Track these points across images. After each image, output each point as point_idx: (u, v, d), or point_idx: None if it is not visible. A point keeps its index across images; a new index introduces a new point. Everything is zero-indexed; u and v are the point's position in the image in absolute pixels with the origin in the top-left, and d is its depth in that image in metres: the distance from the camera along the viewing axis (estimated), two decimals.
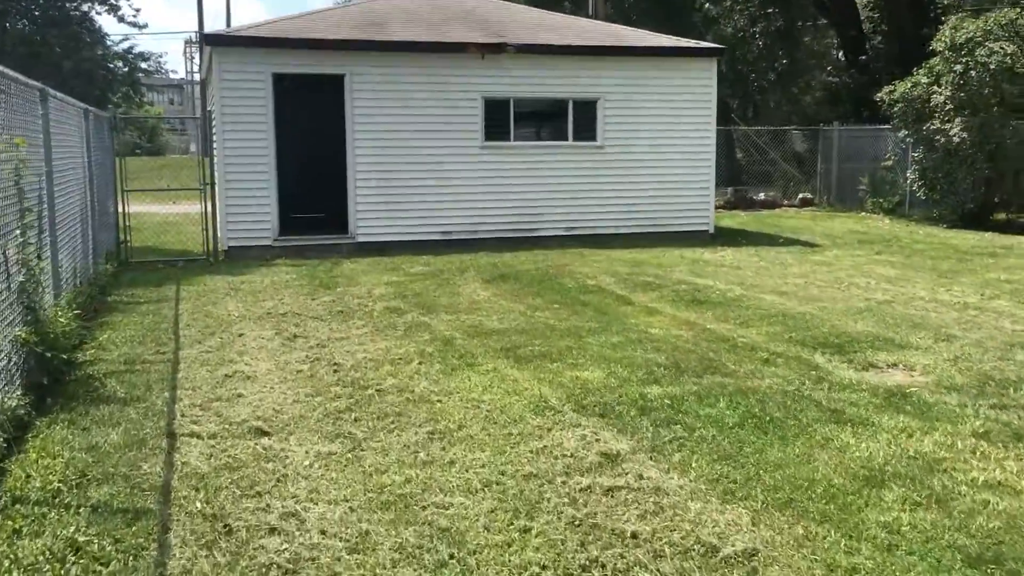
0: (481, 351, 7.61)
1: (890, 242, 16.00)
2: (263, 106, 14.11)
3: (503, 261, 13.50)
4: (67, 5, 45.46)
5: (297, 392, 6.49)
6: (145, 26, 49.00)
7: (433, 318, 9.11)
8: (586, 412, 5.93)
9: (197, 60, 56.55)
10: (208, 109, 15.68)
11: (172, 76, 74.09)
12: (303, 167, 17.92)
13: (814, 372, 6.92)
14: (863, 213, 21.99)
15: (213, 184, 14.16)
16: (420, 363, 7.24)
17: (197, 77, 54.90)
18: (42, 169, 7.32)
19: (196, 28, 53.42)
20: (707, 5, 26.44)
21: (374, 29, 15.18)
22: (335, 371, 7.05)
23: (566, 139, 15.66)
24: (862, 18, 32.58)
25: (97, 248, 11.05)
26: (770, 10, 25.83)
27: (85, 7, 46.23)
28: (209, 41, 13.87)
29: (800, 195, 24.71)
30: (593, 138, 15.72)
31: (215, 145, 14.12)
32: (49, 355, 6.47)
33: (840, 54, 36.39)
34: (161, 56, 67.62)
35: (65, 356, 6.80)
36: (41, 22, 44.70)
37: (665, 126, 15.94)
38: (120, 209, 14.04)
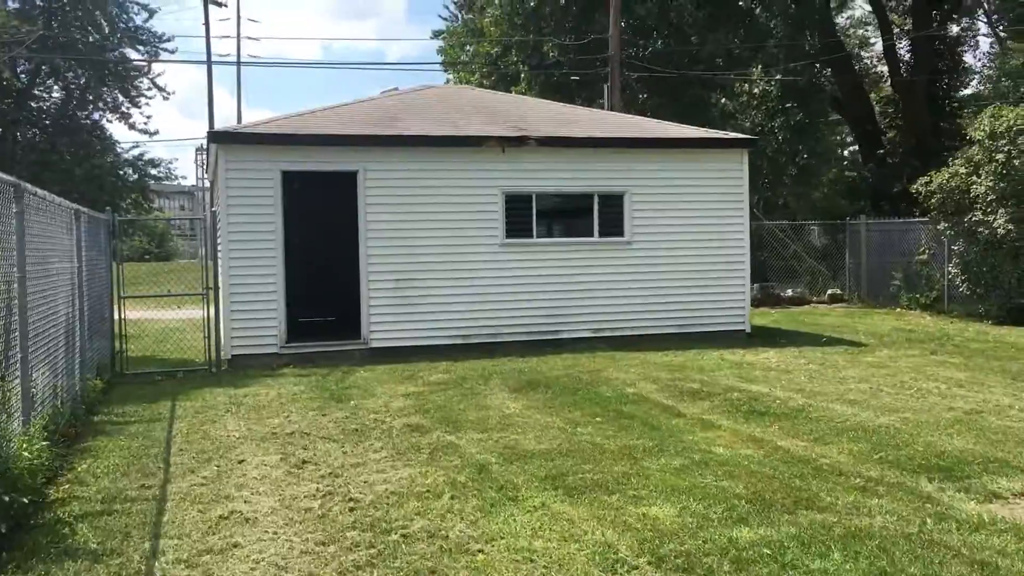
0: (523, 480, 6.45)
1: (941, 340, 14.88)
2: (271, 205, 13.27)
3: (529, 367, 12.41)
4: (78, 114, 45.77)
5: (306, 540, 5.33)
6: (156, 133, 49.21)
7: (461, 437, 7.97)
8: (668, 567, 4.75)
9: (206, 168, 56.88)
10: (212, 209, 14.84)
11: (182, 183, 74.52)
12: (313, 269, 17.02)
13: (929, 505, 5.74)
14: (898, 309, 20.92)
15: (217, 288, 13.21)
16: (452, 497, 6.08)
17: (207, 183, 55.01)
18: (13, 275, 6.34)
19: (205, 138, 53.89)
20: (723, 100, 26.01)
21: (388, 124, 14.48)
22: (351, 509, 5.89)
23: (592, 235, 14.76)
24: (876, 112, 32.28)
25: (86, 361, 10.01)
26: (789, 104, 25.34)
27: (96, 115, 46.64)
28: (215, 139, 13.15)
29: (829, 291, 23.71)
30: (620, 233, 14.82)
31: (219, 247, 13.25)
32: (8, 498, 5.35)
33: (853, 149, 36.04)
34: (171, 163, 68.06)
35: (29, 499, 5.66)
36: (52, 131, 44.94)
37: (696, 220, 15.05)
38: (117, 317, 13.04)
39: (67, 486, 6.68)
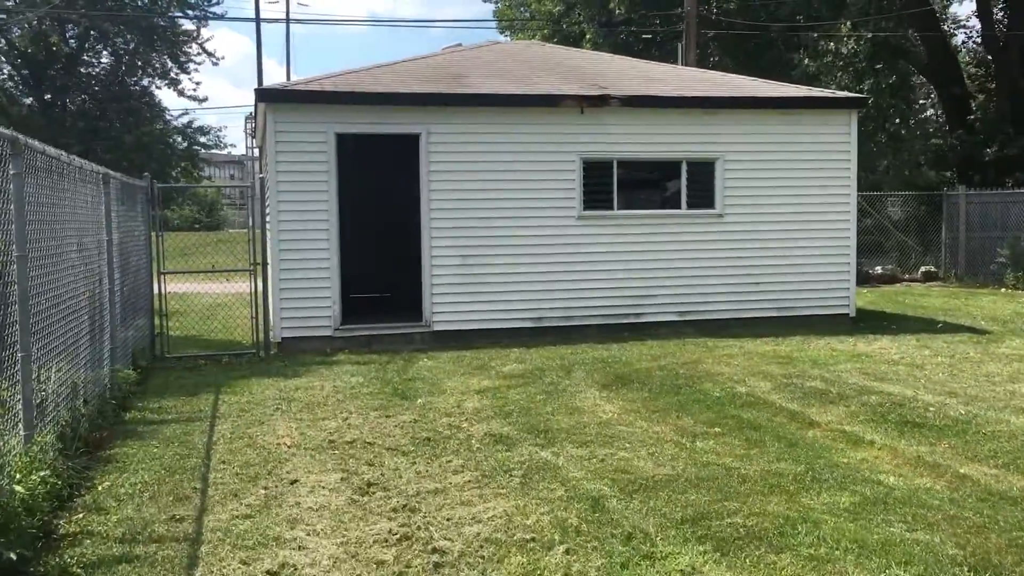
0: (654, 525, 5.01)
1: None
2: (325, 172, 11.91)
3: (613, 356, 10.95)
4: (127, 80, 44.93)
5: None
6: (205, 99, 48.60)
7: (557, 453, 6.55)
8: None
9: (256, 136, 55.96)
10: (260, 176, 13.52)
11: (232, 151, 74.01)
12: (370, 243, 15.77)
13: None
14: (1003, 289, 19.04)
15: (265, 264, 11.93)
16: (567, 550, 4.67)
17: (256, 152, 54.11)
18: (11, 254, 5.03)
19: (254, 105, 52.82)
20: (806, 61, 24.05)
21: (454, 82, 13.00)
22: (436, 566, 4.51)
23: (679, 207, 13.18)
24: (965, 76, 29.97)
25: (117, 348, 8.76)
26: (879, 65, 23.31)
27: (145, 81, 45.76)
28: (263, 97, 11.80)
29: (922, 268, 21.82)
30: (710, 205, 13.22)
31: (268, 218, 11.95)
32: None
33: (940, 115, 33.71)
34: (221, 130, 67.35)
35: (18, 552, 4.36)
36: (101, 97, 44.17)
37: (796, 190, 13.39)
38: (157, 292, 11.83)
39: (82, 514, 5.40)
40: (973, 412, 7.65)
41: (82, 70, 44.12)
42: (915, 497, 5.41)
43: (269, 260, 11.94)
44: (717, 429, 7.23)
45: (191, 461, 6.58)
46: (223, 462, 6.54)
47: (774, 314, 13.37)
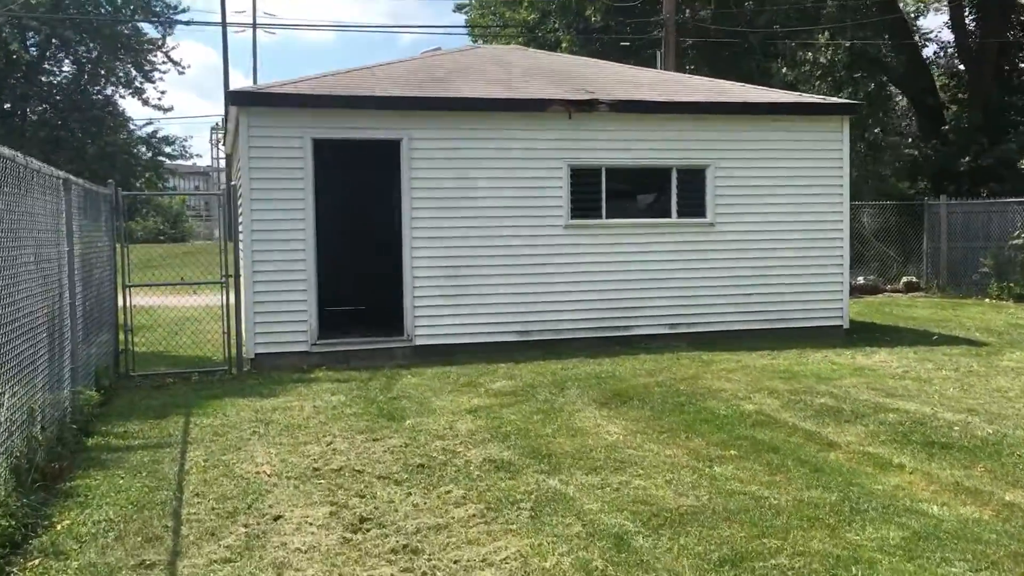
0: (691, 568, 4.48)
1: None
2: (300, 179, 11.30)
3: (606, 371, 10.44)
4: (89, 89, 43.81)
5: None
6: (171, 109, 47.39)
7: (566, 481, 6.01)
8: None
9: (223, 146, 54.85)
10: (233, 183, 12.88)
11: (197, 163, 72.82)
12: (348, 254, 15.17)
13: None
14: (988, 300, 18.83)
15: (237, 276, 11.27)
16: None
17: (223, 164, 53.03)
18: None
19: (222, 114, 51.76)
20: (784, 69, 23.80)
21: (436, 85, 12.46)
22: None
23: (669, 215, 12.72)
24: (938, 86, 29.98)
25: (79, 368, 8.08)
26: (857, 75, 23.12)
27: (108, 91, 44.68)
28: (236, 100, 11.18)
29: (904, 279, 21.59)
30: (701, 214, 12.78)
31: (240, 228, 11.31)
32: None
33: (912, 125, 33.73)
34: (186, 140, 66.13)
35: None
36: (62, 107, 43.02)
37: (788, 198, 13.00)
38: (123, 306, 11.13)
39: (38, 560, 4.77)
40: (1001, 432, 7.21)
41: (43, 79, 43.01)
42: (967, 530, 4.94)
43: (241, 272, 11.30)
44: (733, 452, 6.73)
45: (161, 494, 5.95)
46: (197, 495, 5.91)
47: (766, 326, 12.95)
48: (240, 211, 11.38)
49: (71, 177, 7.70)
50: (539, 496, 5.67)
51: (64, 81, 45.12)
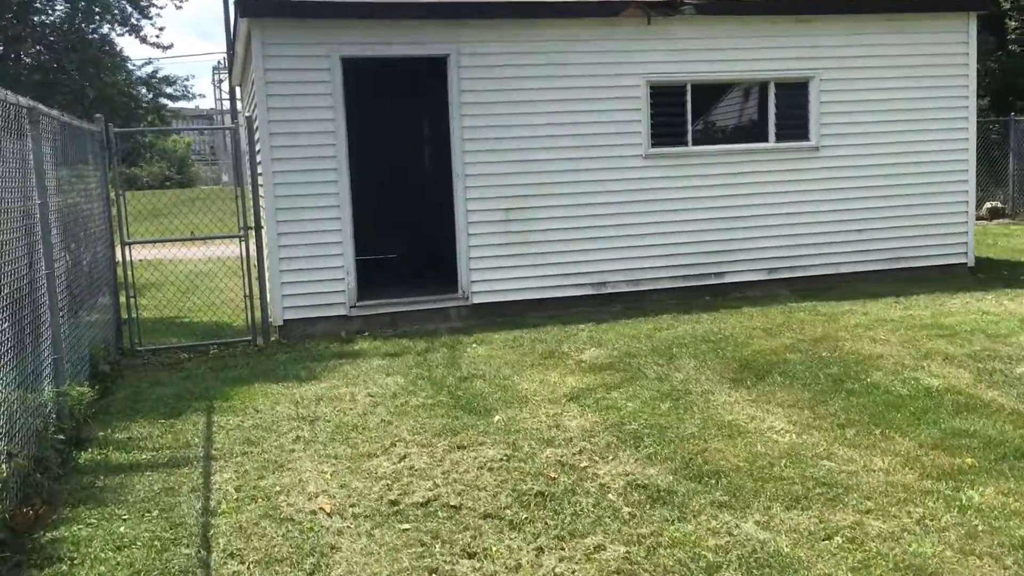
0: None
1: None
2: (330, 107, 9.30)
3: (712, 331, 8.54)
4: (84, 27, 41.43)
5: None
6: (170, 47, 44.77)
7: (765, 524, 4.14)
8: None
9: (227, 85, 52.31)
10: (247, 115, 10.83)
11: (200, 106, 70.37)
12: (386, 197, 13.20)
13: None
14: None
15: (258, 227, 9.34)
16: None
17: (227, 105, 50.59)
18: None
19: (224, 52, 49.22)
20: None
21: None
22: None
23: (765, 139, 10.68)
24: None
25: (64, 357, 6.18)
26: None
27: (104, 29, 42.22)
28: (247, 10, 9.12)
29: (987, 205, 19.47)
30: (804, 136, 10.73)
31: (261, 169, 9.35)
32: None
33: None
34: (188, 79, 63.36)
35: None
36: (57, 48, 40.70)
37: (905, 114, 10.92)
38: (123, 265, 9.23)
39: None
40: None
41: (35, 19, 40.64)
42: None
43: (264, 223, 9.37)
44: (968, 460, 4.84)
45: (180, 554, 4.12)
46: (232, 555, 4.09)
47: (880, 267, 11.00)
48: (259, 148, 9.40)
49: (39, 106, 5.73)
50: (743, 558, 3.80)
51: (57, 20, 42.67)
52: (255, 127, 9.24)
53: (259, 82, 9.20)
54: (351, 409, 6.43)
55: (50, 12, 42.91)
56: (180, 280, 12.94)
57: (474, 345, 8.53)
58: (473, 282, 9.91)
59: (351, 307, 9.61)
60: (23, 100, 5.48)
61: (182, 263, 14.30)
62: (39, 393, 5.57)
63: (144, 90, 46.83)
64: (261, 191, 9.36)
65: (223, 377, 7.75)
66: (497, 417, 6.06)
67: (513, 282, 10.02)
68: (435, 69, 9.89)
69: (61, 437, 5.62)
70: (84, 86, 41.69)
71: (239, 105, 24.23)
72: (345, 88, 9.41)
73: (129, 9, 43.39)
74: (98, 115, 9.27)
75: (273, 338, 9.39)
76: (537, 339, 8.65)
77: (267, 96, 9.16)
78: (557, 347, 8.24)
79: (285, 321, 9.46)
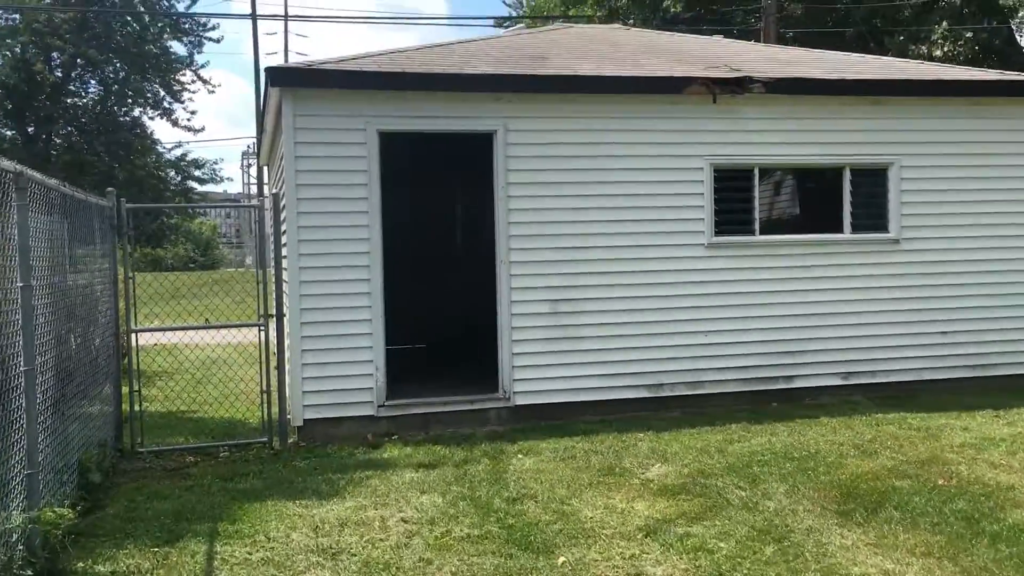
0: None
1: None
2: (363, 185, 8.45)
3: (792, 446, 7.42)
4: (116, 110, 41.49)
5: None
6: (201, 130, 44.92)
7: None
8: None
9: (255, 171, 52.42)
10: (273, 191, 9.97)
11: (228, 188, 70.85)
12: (420, 280, 12.27)
13: None
14: None
15: (280, 316, 8.38)
16: None
17: (255, 190, 50.55)
18: None
19: (255, 137, 49.38)
20: (900, 38, 20.64)
21: (535, 64, 9.57)
22: None
23: (840, 230, 9.70)
24: None
25: (44, 470, 5.15)
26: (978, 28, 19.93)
27: (136, 112, 42.27)
28: (279, 79, 8.35)
29: None
30: (883, 227, 9.74)
31: (286, 251, 8.46)
32: None
33: None
34: (216, 163, 63.74)
35: None
36: (88, 129, 40.72)
37: (991, 205, 9.94)
38: (131, 353, 8.28)
39: None
40: None
41: (68, 100, 40.82)
42: None
43: (286, 310, 8.41)
44: None
45: None
46: None
47: (965, 373, 9.86)
48: (284, 230, 8.52)
49: (27, 171, 4.84)
50: None
51: (90, 103, 42.89)
52: (282, 205, 8.37)
53: (288, 156, 8.36)
54: (382, 540, 5.33)
55: (83, 94, 43.12)
56: (194, 368, 11.97)
57: (520, 456, 7.43)
58: (516, 380, 8.86)
59: (379, 407, 8.56)
60: (7, 163, 4.59)
61: (198, 348, 13.38)
62: (5, 519, 4.53)
63: (173, 172, 46.84)
64: (285, 275, 8.45)
65: (232, 489, 6.68)
66: (562, 559, 4.94)
67: (560, 382, 8.96)
68: (481, 146, 9.05)
69: (29, 574, 4.55)
70: (113, 167, 41.60)
71: (266, 189, 23.71)
72: (384, 162, 8.56)
73: (161, 93, 43.60)
74: (109, 189, 8.44)
75: (291, 440, 8.34)
76: (591, 450, 7.54)
77: (296, 172, 8.31)
78: (616, 461, 7.13)
79: (305, 421, 8.41)
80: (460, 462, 7.27)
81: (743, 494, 6.15)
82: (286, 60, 46.73)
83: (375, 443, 8.13)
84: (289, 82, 8.30)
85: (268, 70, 8.36)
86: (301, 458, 7.68)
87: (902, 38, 20.72)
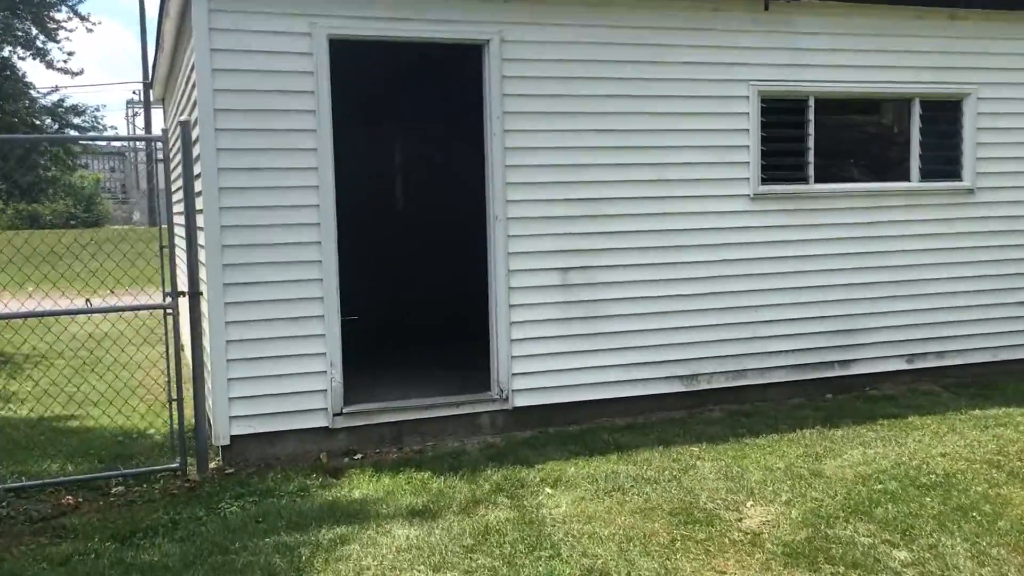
0: None
1: None
2: (310, 110, 6.07)
3: (909, 464, 5.56)
4: None
5: None
6: (80, 73, 40.69)
7: None
8: None
9: (142, 120, 48.08)
10: (180, 119, 7.32)
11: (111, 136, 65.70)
12: (382, 243, 9.78)
13: None
14: None
15: (194, 293, 5.95)
16: None
17: (143, 145, 46.27)
18: None
19: (140, 79, 45.11)
20: None
21: None
22: None
23: (906, 177, 7.80)
24: None
25: None
26: None
27: (6, 51, 37.93)
28: None
29: None
30: (955, 174, 7.89)
31: (201, 203, 6.02)
32: None
33: None
34: (98, 109, 58.73)
35: None
36: None
37: None
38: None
39: None
40: None
41: None
42: None
43: (204, 286, 6.01)
44: None
45: None
46: None
47: None
48: (196, 173, 6.06)
49: None
50: None
51: None
52: (192, 140, 5.92)
53: (202, 71, 5.89)
54: None
55: None
56: (77, 348, 9.44)
57: (548, 490, 5.30)
58: (515, 375, 6.68)
59: (335, 415, 6.27)
60: None
61: (81, 322, 10.83)
62: None
63: (49, 120, 42.42)
64: (201, 237, 6.02)
65: (135, 565, 4.35)
66: None
67: (571, 375, 6.83)
68: (467, 62, 6.76)
69: None
70: None
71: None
72: (336, 82, 6.17)
73: (34, 31, 39.14)
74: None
75: (213, 464, 6.02)
76: (641, 477, 5.47)
77: (214, 92, 5.86)
78: (687, 497, 5.08)
79: (233, 438, 6.07)
80: (467, 504, 5.10)
81: (904, 556, 4.18)
82: None
83: (333, 467, 5.87)
84: None
85: None
86: (231, 496, 5.37)
87: None
